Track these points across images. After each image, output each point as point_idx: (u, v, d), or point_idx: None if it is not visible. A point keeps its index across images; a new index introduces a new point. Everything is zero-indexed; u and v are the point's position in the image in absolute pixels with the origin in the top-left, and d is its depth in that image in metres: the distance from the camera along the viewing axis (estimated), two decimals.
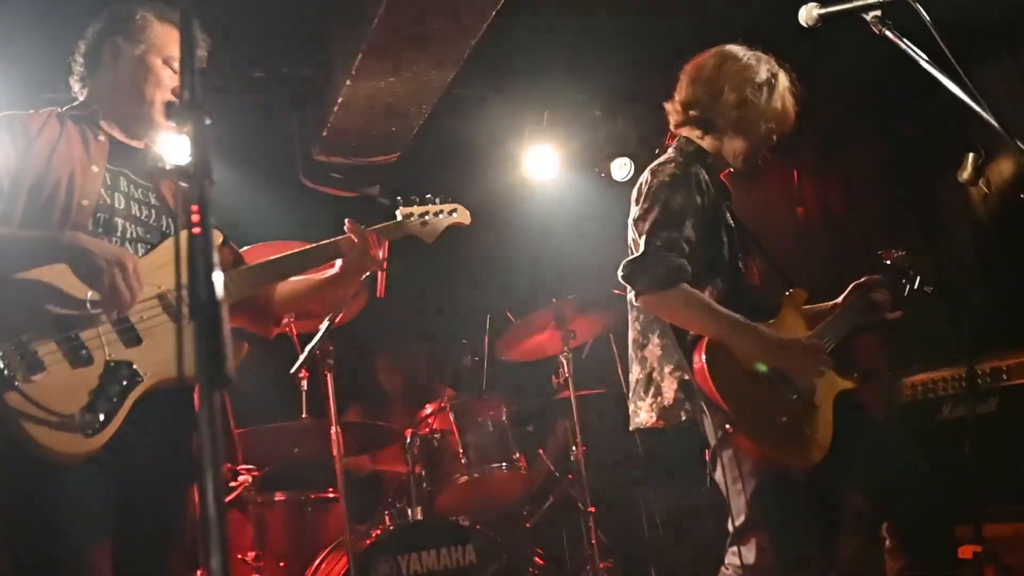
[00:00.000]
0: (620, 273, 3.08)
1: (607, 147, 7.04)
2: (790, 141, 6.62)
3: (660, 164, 3.25)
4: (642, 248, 3.04)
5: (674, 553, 5.69)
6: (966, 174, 5.62)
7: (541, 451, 5.65)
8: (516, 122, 6.72)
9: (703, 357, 2.93)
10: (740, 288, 3.20)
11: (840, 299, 3.46)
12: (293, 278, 3.07)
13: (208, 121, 1.35)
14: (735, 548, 3.02)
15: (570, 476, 5.25)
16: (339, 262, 3.08)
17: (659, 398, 3.11)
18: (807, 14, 2.99)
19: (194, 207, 1.29)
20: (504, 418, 5.13)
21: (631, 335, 3.30)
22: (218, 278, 1.19)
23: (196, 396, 1.14)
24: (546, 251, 6.93)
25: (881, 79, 6.15)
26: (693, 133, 3.34)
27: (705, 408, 2.97)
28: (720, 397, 2.88)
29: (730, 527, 3.05)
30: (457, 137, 6.51)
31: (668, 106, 3.45)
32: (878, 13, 2.76)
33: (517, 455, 5.01)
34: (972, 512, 4.11)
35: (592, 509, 4.94)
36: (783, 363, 3.01)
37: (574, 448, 5.14)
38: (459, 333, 6.23)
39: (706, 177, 3.22)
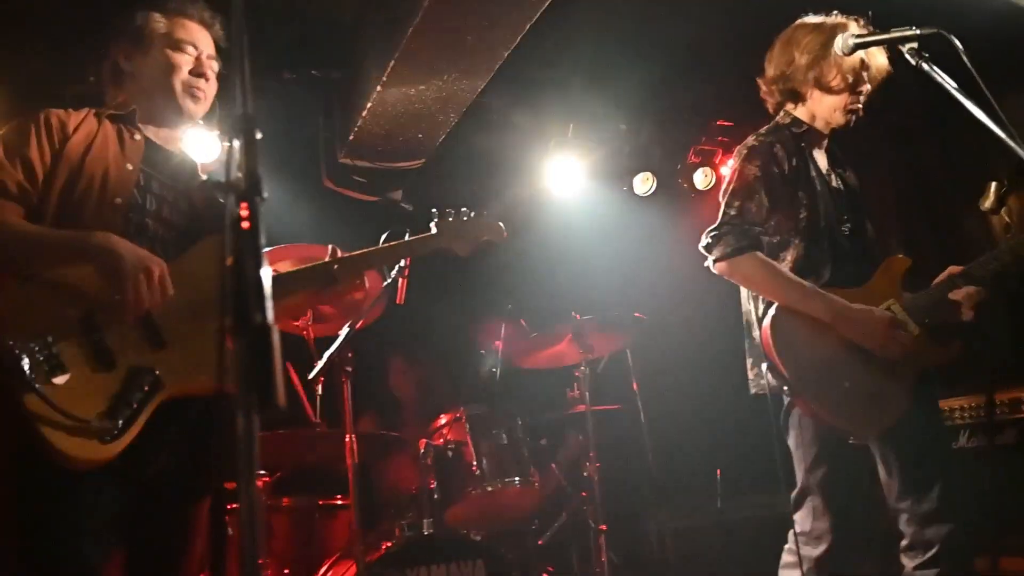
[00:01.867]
0: (701, 244, 3.21)
1: (631, 161, 7.02)
2: None
3: (745, 142, 3.38)
4: (719, 219, 3.18)
5: (683, 573, 5.65)
6: (988, 203, 5.60)
7: (553, 465, 5.62)
8: (541, 134, 6.69)
9: (768, 323, 3.06)
10: (829, 252, 3.25)
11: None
12: None
13: (259, 135, 1.33)
14: (796, 515, 3.14)
15: (584, 494, 5.21)
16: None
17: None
18: (843, 43, 3.11)
19: (244, 203, 1.26)
20: (519, 431, 5.09)
21: (742, 306, 3.40)
22: (269, 296, 1.16)
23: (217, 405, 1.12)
24: (567, 263, 6.90)
25: (904, 105, 6.13)
26: (786, 106, 3.47)
27: (771, 373, 3.08)
28: (779, 360, 3.01)
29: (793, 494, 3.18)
30: (482, 146, 6.48)
31: (762, 91, 3.58)
32: (915, 45, 2.79)
33: (531, 470, 4.97)
34: (989, 546, 4.05)
35: (603, 527, 4.90)
36: (853, 332, 3.05)
37: (587, 464, 5.11)
38: (476, 342, 6.21)
39: (787, 147, 3.30)
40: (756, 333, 3.21)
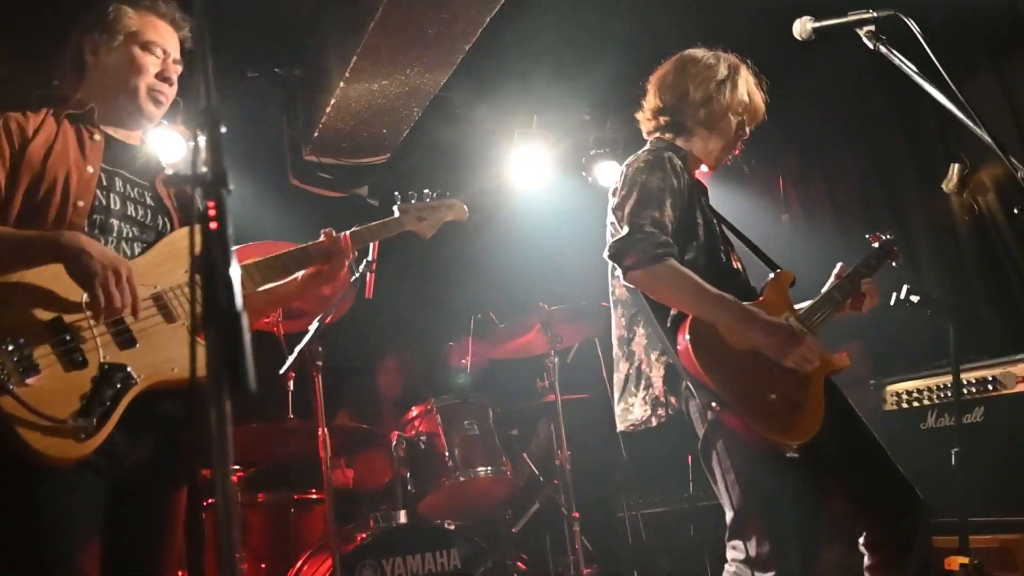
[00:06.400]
0: (606, 253, 3.06)
1: (595, 151, 7.06)
2: (776, 148, 6.74)
3: (634, 156, 3.27)
4: (626, 229, 3.00)
5: (656, 559, 5.71)
6: (951, 184, 5.66)
7: (525, 455, 5.66)
8: (505, 125, 6.72)
9: (687, 336, 2.89)
10: (720, 271, 3.16)
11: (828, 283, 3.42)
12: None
13: (224, 129, 1.34)
14: (735, 542, 2.95)
15: (556, 481, 5.25)
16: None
17: (651, 389, 3.07)
18: (802, 27, 3.03)
19: (211, 202, 1.27)
20: (490, 421, 5.13)
21: (616, 332, 3.28)
22: (238, 283, 1.18)
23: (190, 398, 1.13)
24: (533, 254, 6.94)
25: (865, 88, 6.20)
26: (665, 136, 3.38)
27: (692, 390, 2.91)
28: (706, 374, 2.83)
29: (727, 520, 2.98)
30: (446, 139, 6.51)
31: (639, 116, 3.51)
32: (872, 28, 2.80)
33: (503, 459, 5.02)
34: (958, 524, 4.08)
35: (576, 515, 4.94)
36: (768, 344, 2.94)
37: (559, 452, 5.15)
38: (445, 335, 6.23)
39: (679, 163, 3.22)
40: (648, 356, 3.08)
